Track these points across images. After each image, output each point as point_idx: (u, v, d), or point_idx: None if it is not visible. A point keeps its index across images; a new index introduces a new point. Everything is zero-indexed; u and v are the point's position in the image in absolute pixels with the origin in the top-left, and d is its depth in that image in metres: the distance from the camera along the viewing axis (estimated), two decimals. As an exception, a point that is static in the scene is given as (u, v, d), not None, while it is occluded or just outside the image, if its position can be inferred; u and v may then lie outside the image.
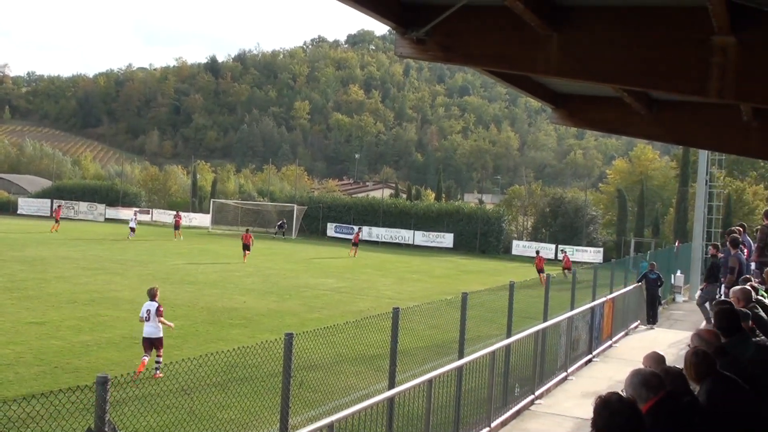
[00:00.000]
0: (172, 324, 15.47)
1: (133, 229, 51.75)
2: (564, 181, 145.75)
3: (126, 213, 70.90)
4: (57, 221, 55.48)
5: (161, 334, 14.70)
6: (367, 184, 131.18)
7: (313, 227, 66.48)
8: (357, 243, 48.61)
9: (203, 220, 68.97)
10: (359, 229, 57.10)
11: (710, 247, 23.32)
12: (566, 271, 36.68)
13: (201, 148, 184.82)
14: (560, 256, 51.96)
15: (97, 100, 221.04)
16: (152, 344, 14.53)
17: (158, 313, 14.60)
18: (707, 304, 19.95)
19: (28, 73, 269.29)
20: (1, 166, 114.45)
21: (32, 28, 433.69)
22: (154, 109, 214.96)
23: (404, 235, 61.69)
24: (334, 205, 68.19)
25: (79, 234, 52.14)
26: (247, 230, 43.48)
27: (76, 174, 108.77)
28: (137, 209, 65.88)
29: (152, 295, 14.91)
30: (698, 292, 22.82)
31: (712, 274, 19.85)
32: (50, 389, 8.20)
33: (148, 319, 14.60)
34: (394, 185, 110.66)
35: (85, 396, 6.47)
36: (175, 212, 60.85)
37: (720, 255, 19.91)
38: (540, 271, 37.39)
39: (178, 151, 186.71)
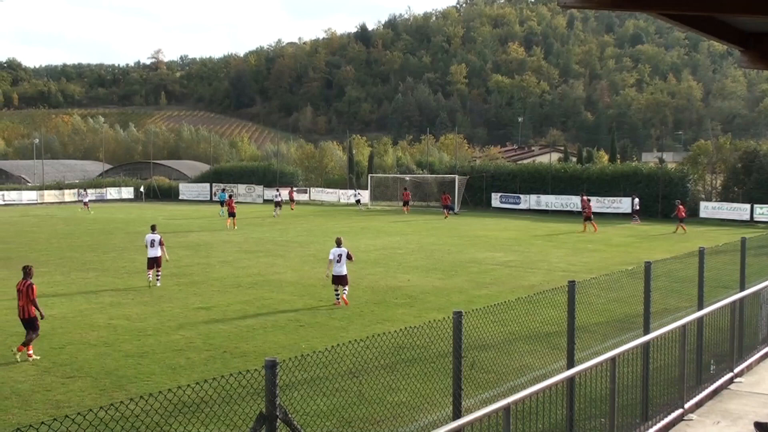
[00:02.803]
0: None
1: (359, 201, 65.20)
2: (758, 131, 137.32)
3: (285, 193, 73.56)
4: (292, 200, 65.59)
5: (346, 272, 20.51)
6: (533, 148, 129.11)
7: (476, 198, 66.31)
8: (590, 216, 46.49)
9: (362, 196, 70.38)
10: (586, 198, 50.74)
11: None
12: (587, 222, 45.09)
13: (355, 122, 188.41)
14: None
15: (248, 79, 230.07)
16: (340, 281, 20.43)
17: (349, 257, 20.57)
18: None
19: (181, 57, 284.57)
20: (161, 152, 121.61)
21: (180, 10, 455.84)
22: (306, 85, 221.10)
23: (576, 202, 60.28)
24: (498, 174, 67.55)
25: (240, 216, 54.39)
26: (444, 191, 58.76)
27: (233, 156, 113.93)
28: (358, 190, 70.27)
29: (339, 243, 20.87)
30: None
31: None
32: (220, 374, 8.69)
33: (339, 262, 20.37)
34: (562, 148, 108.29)
35: (255, 380, 6.80)
36: (405, 188, 65.88)
37: None
38: (587, 218, 45.29)
39: (333, 127, 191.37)
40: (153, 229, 24.78)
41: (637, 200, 54.20)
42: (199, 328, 17.67)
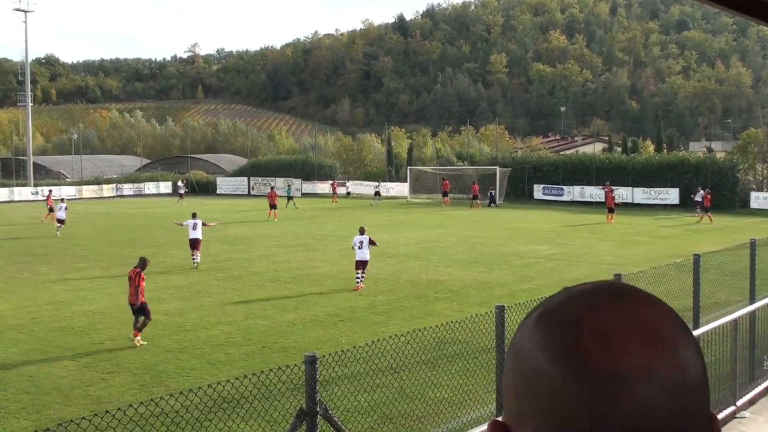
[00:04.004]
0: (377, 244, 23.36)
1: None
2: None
3: (322, 187, 73.80)
4: (335, 193, 67.61)
5: (368, 258, 22.36)
6: (576, 139, 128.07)
7: (518, 190, 65.93)
8: (613, 207, 45.68)
9: (401, 189, 70.39)
10: (608, 189, 51.10)
11: None
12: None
13: (394, 114, 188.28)
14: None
15: (286, 72, 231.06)
16: (363, 265, 22.16)
17: (371, 242, 22.51)
18: None
19: (218, 50, 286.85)
20: (199, 146, 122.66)
21: (215, 3, 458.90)
22: (344, 76, 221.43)
23: (621, 193, 59.54)
24: (540, 165, 67.08)
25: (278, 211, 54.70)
26: (474, 182, 60.79)
27: (271, 150, 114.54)
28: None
29: (362, 231, 22.84)
30: None
31: None
32: (260, 369, 8.73)
33: (360, 248, 22.27)
34: (606, 138, 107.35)
35: (295, 375, 6.82)
36: (443, 178, 66.19)
37: None
38: (610, 210, 44.67)
39: (371, 119, 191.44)
40: (194, 216, 28.09)
41: (702, 192, 50.39)
42: (238, 323, 17.79)
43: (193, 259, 26.97)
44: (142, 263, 16.83)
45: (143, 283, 16.30)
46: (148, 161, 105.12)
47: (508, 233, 38.41)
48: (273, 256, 29.71)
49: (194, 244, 27.24)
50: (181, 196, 66.49)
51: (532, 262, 27.73)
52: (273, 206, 47.46)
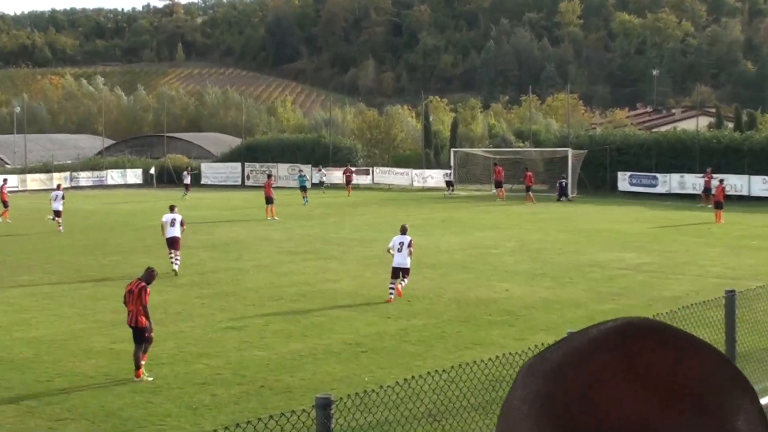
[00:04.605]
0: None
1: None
2: None
3: (339, 175, 73.69)
4: (349, 184, 68.64)
5: (409, 265, 23.20)
6: (673, 111, 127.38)
7: (597, 179, 65.61)
8: (722, 202, 45.35)
9: (442, 178, 70.21)
10: (709, 177, 52.49)
11: None
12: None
13: (433, 79, 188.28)
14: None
15: (291, 25, 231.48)
16: (401, 273, 22.96)
17: (410, 245, 23.12)
18: None
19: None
20: (178, 122, 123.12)
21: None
22: (367, 31, 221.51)
23: (734, 183, 59.02)
24: (626, 146, 66.67)
25: (282, 207, 54.84)
26: (526, 168, 62.60)
27: (272, 127, 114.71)
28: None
29: (404, 230, 23.72)
30: None
31: None
32: (256, 415, 8.66)
33: (400, 251, 22.97)
34: (713, 111, 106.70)
35: (303, 423, 6.74)
36: (495, 163, 66.47)
37: None
38: (717, 206, 44.72)
39: (402, 86, 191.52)
40: (172, 209, 29.67)
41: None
42: (228, 354, 17.78)
43: (172, 261, 27.79)
44: (148, 276, 16.91)
45: (146, 300, 16.27)
46: (112, 142, 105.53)
47: (583, 236, 38.22)
48: (274, 267, 29.72)
49: (172, 243, 28.44)
50: (186, 187, 66.52)
51: (616, 275, 27.56)
52: (269, 200, 47.36)
